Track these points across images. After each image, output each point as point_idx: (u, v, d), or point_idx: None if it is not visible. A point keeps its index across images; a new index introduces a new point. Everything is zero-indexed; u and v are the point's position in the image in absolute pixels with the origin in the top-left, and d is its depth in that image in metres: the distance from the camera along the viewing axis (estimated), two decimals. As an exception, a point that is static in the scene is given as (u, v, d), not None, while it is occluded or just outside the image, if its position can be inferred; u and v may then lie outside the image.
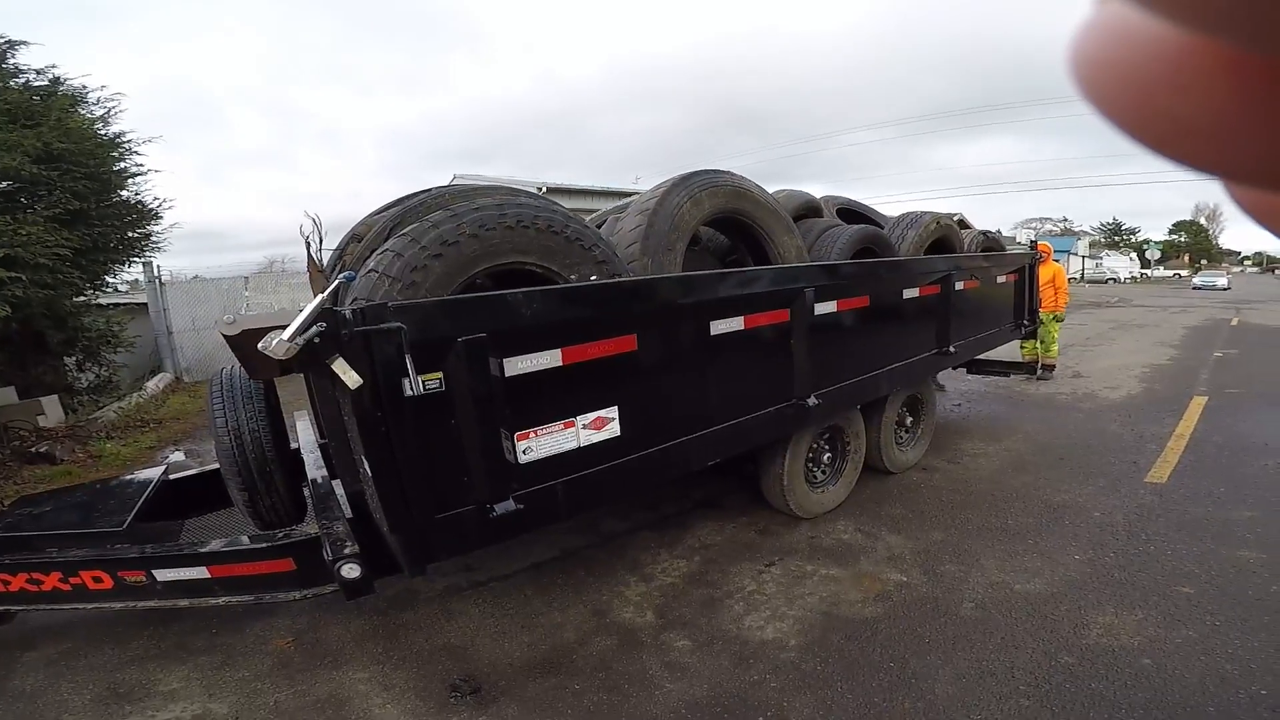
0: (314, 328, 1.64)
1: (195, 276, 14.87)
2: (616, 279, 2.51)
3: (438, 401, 1.97)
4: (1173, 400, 6.75)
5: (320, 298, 1.70)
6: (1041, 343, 7.78)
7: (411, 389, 1.80)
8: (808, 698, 2.49)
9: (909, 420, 5.00)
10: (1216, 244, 75.04)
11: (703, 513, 4.30)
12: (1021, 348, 7.85)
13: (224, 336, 1.66)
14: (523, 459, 2.19)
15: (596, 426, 2.37)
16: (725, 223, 3.45)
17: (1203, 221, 72.91)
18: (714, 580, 3.43)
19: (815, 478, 4.16)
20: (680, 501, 4.49)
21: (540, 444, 2.22)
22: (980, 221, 7.38)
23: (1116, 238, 65.24)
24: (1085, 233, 61.32)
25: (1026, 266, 5.99)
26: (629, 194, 14.60)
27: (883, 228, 4.84)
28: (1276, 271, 62.71)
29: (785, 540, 3.83)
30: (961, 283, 4.78)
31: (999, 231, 7.45)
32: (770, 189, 4.18)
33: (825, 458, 4.22)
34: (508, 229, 2.21)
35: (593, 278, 2.41)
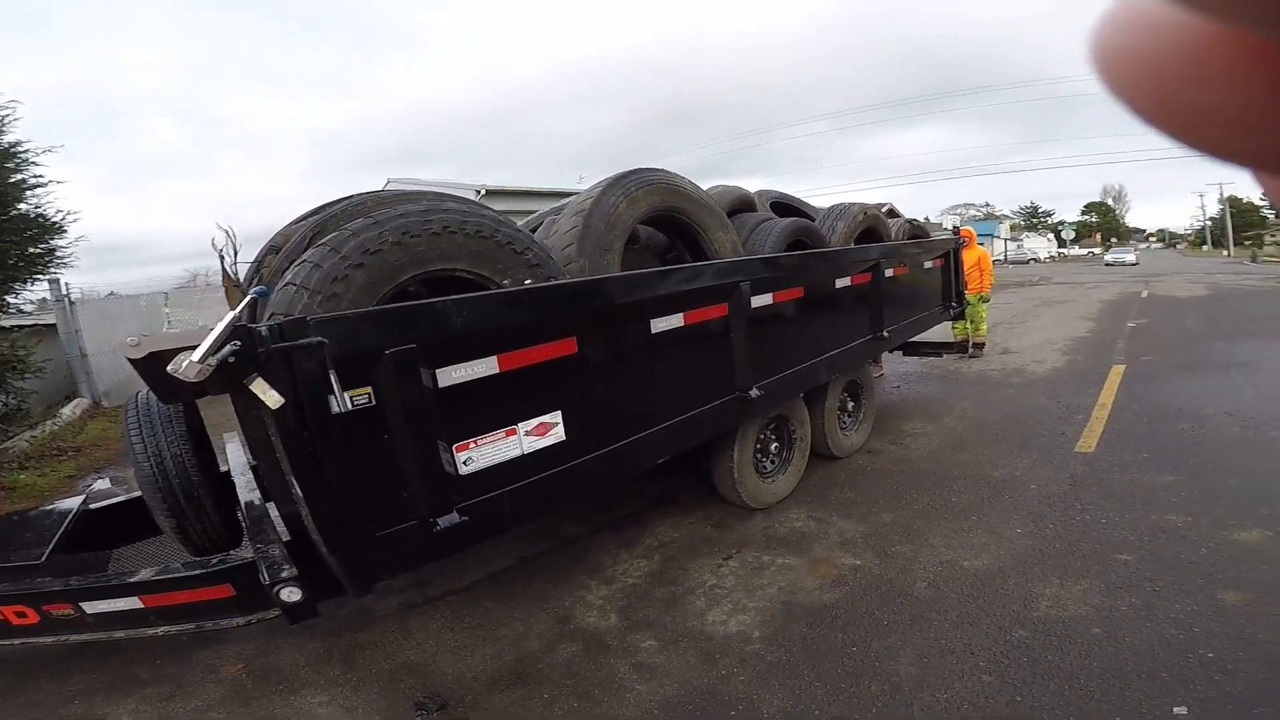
0: (227, 347, 1.55)
1: (110, 293, 13.96)
2: (552, 282, 2.48)
3: (368, 417, 1.90)
4: (1094, 371, 7.18)
5: (232, 314, 1.61)
6: (971, 322, 8.17)
7: (338, 406, 1.72)
8: (777, 688, 2.53)
9: (850, 405, 5.14)
10: (1124, 222, 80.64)
11: (660, 510, 4.32)
12: (953, 328, 8.21)
13: (129, 360, 1.55)
14: (464, 470, 2.14)
15: (540, 433, 2.33)
16: (662, 220, 3.46)
17: (1110, 202, 78.24)
18: (675, 578, 3.44)
19: (765, 468, 4.23)
20: (636, 500, 4.49)
21: (481, 454, 2.17)
22: (910, 209, 7.70)
23: (1035, 220, 69.22)
24: (1006, 216, 64.79)
25: (951, 251, 6.26)
26: (572, 194, 14.47)
27: (814, 220, 4.97)
28: (1178, 246, 67.78)
29: (741, 532, 3.88)
30: (891, 270, 4.95)
31: (927, 219, 7.80)
32: (708, 185, 4.23)
33: (773, 448, 4.30)
34: (434, 235, 2.14)
35: (527, 282, 2.37)
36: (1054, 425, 5.36)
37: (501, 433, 2.22)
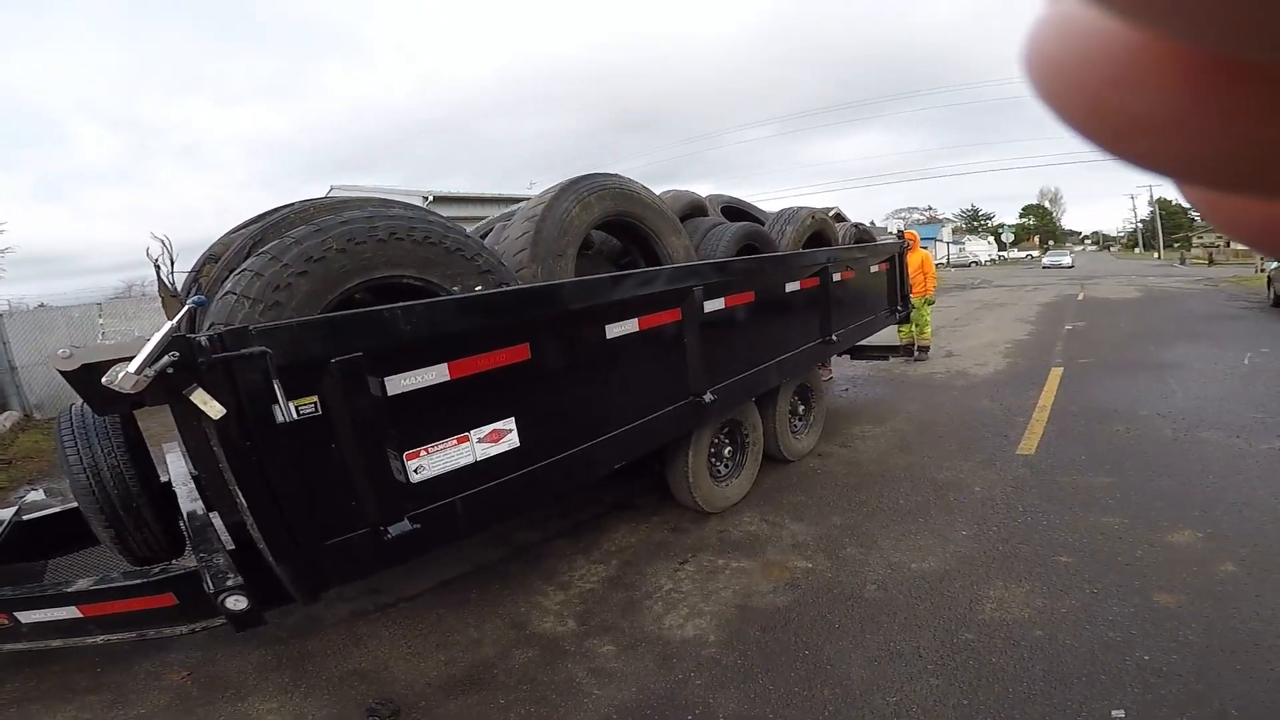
0: (165, 357, 1.51)
1: (40, 304, 13.28)
2: (503, 288, 2.49)
3: (314, 426, 1.87)
4: (1033, 373, 7.46)
5: (169, 325, 1.57)
6: (916, 326, 8.40)
7: (283, 415, 1.70)
8: (732, 692, 2.56)
9: (801, 409, 5.25)
10: (1060, 225, 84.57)
11: (617, 515, 4.33)
12: (899, 332, 8.44)
13: (61, 373, 1.49)
14: (415, 478, 2.12)
15: (493, 439, 2.34)
16: (616, 226, 3.49)
17: (1047, 204, 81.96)
18: (632, 582, 3.46)
19: (719, 472, 4.29)
20: (594, 506, 4.50)
21: (433, 461, 2.16)
22: (856, 213, 7.92)
23: (975, 223, 71.92)
24: (948, 219, 67.01)
25: (896, 255, 6.48)
26: (523, 199, 14.38)
27: (764, 224, 5.08)
28: (1111, 249, 71.44)
29: (696, 536, 3.92)
30: (838, 274, 5.09)
31: (873, 222, 8.05)
32: (660, 189, 4.28)
33: (726, 451, 4.36)
34: (380, 242, 2.13)
35: (477, 288, 2.37)
36: (996, 427, 5.54)
37: (453, 440, 2.21)
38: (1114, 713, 2.24)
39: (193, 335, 1.65)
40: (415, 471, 2.11)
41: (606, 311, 2.86)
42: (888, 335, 7.56)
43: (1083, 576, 3.12)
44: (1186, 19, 0.14)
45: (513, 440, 2.41)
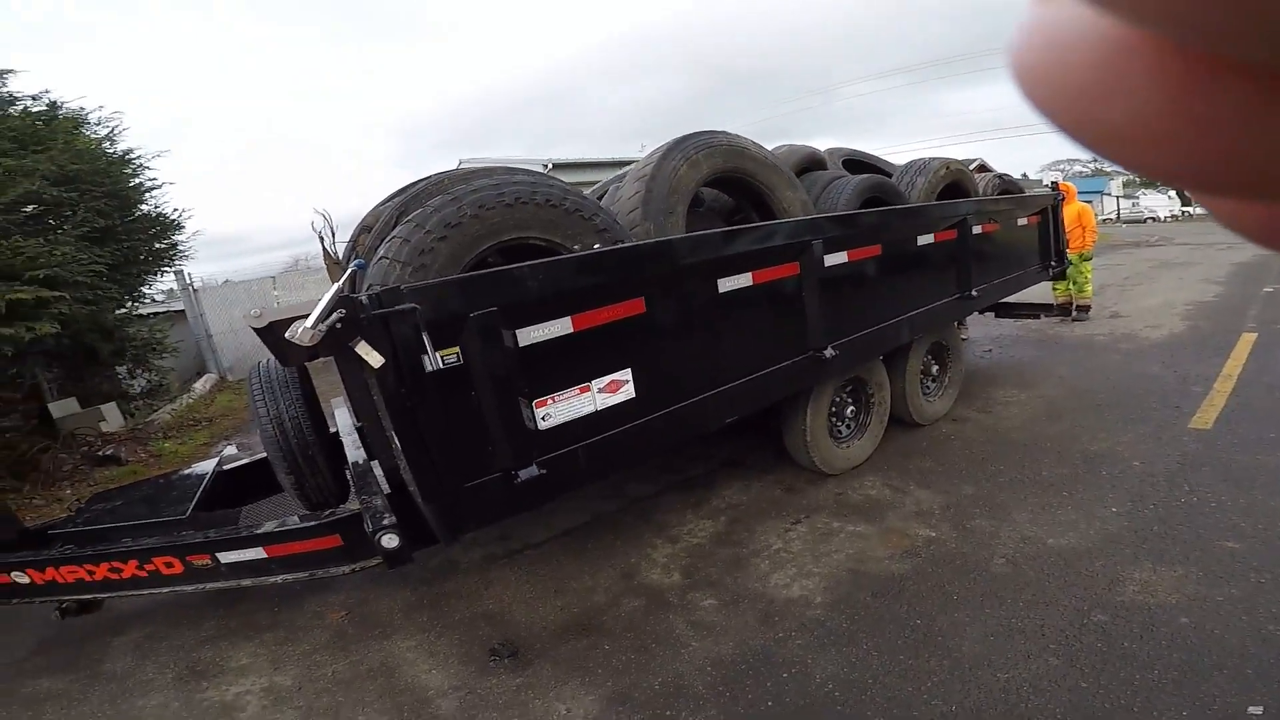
0: (334, 314, 1.75)
1: (225, 281, 15.42)
2: (618, 245, 2.57)
3: (457, 375, 2.07)
4: (1219, 338, 6.39)
5: (335, 286, 1.81)
6: (1074, 283, 7.61)
7: (431, 365, 1.90)
8: (833, 655, 2.53)
9: (935, 369, 4.97)
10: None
11: (728, 472, 4.35)
12: (1054, 290, 7.69)
13: (253, 330, 1.77)
14: (542, 425, 2.29)
15: (612, 390, 2.45)
16: (727, 182, 3.45)
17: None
18: (740, 539, 3.48)
19: (839, 432, 4.18)
20: (706, 462, 4.56)
21: (558, 410, 2.31)
22: (1004, 165, 7.16)
23: (1152, 176, 62.14)
24: (1118, 172, 58.38)
25: (1049, 208, 5.83)
26: (634, 162, 14.51)
27: (890, 176, 4.77)
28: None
29: (811, 497, 3.85)
30: (979, 226, 4.69)
31: (1025, 175, 7.25)
32: (773, 146, 4.15)
33: (849, 411, 4.24)
34: (507, 207, 2.28)
35: (595, 246, 2.47)
36: (1167, 397, 4.87)
37: (576, 390, 2.35)
38: (1251, 709, 2.01)
39: (354, 295, 1.88)
40: (543, 419, 2.27)
41: (719, 266, 2.85)
42: (1041, 293, 6.83)
43: (1250, 565, 2.74)
44: (1179, 18, 0.14)
45: (629, 391, 2.51)
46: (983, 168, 6.20)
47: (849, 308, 3.60)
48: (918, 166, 4.86)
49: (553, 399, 2.29)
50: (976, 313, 6.55)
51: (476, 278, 2.16)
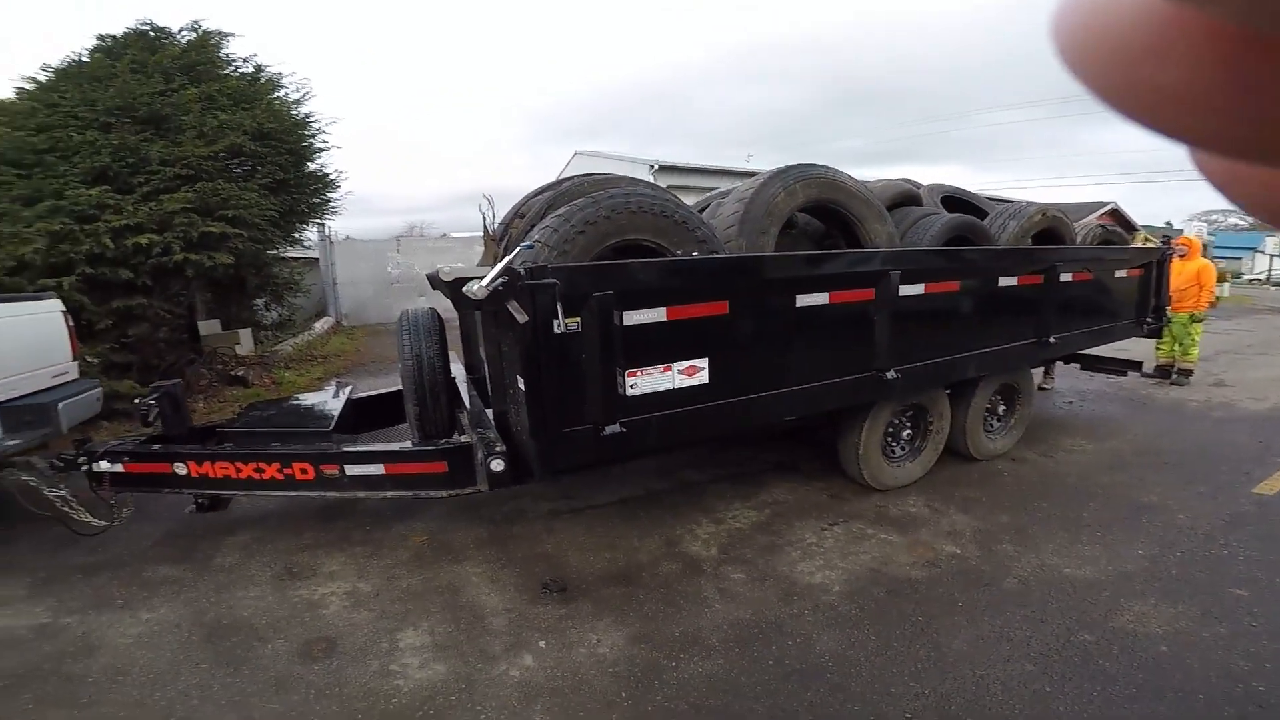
0: (500, 280, 2.36)
1: (347, 237, 16.62)
2: (712, 255, 3.06)
3: (575, 339, 2.62)
4: (1327, 417, 6.09)
5: (505, 261, 2.42)
6: (1180, 345, 7.31)
7: (559, 328, 2.47)
8: (835, 633, 2.84)
9: (1001, 409, 5.07)
10: None
11: (781, 474, 4.69)
12: (1157, 349, 7.43)
13: (443, 281, 2.42)
14: (629, 392, 2.81)
15: (689, 373, 2.94)
16: (821, 210, 3.85)
17: None
18: (778, 530, 3.81)
19: (893, 452, 4.42)
20: (761, 462, 4.92)
21: (643, 381, 2.83)
22: (1147, 212, 6.95)
23: (1323, 235, 54.69)
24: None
25: (1154, 262, 5.74)
26: (739, 172, 14.75)
27: (985, 217, 4.95)
28: None
29: (854, 506, 4.13)
30: (1068, 274, 4.78)
31: (1169, 223, 6.98)
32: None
33: (905, 434, 4.47)
34: (631, 213, 2.84)
35: (694, 253, 2.98)
36: (1240, 463, 4.82)
37: (660, 367, 2.86)
38: None
39: (514, 267, 2.48)
40: (631, 386, 2.80)
41: (797, 283, 3.26)
42: (1145, 351, 6.73)
43: (1249, 609, 2.91)
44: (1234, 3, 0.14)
45: (703, 377, 2.98)
46: (1116, 212, 6.16)
47: (918, 337, 3.85)
48: (1012, 210, 5.01)
49: (641, 372, 2.81)
50: (1060, 362, 6.54)
51: (602, 266, 2.73)
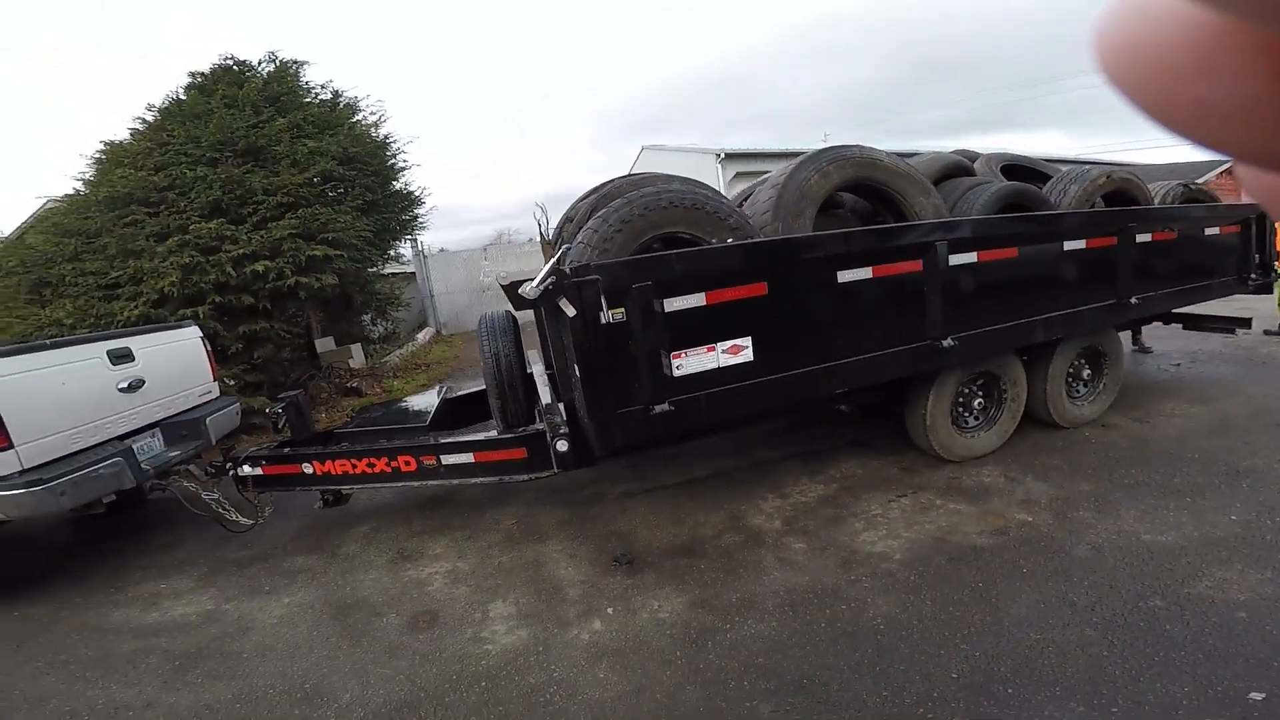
0: (549, 280, 2.70)
1: (441, 249, 17.82)
2: (743, 241, 3.25)
3: (621, 329, 2.90)
4: None
5: (551, 262, 2.76)
6: (1297, 300, 6.65)
7: (605, 319, 2.77)
8: (890, 599, 2.89)
9: (1087, 374, 4.89)
10: None
11: (852, 450, 4.75)
12: (1279, 307, 6.85)
13: (501, 285, 2.79)
14: (676, 373, 3.04)
15: (733, 352, 3.14)
16: (862, 188, 3.91)
17: None
18: (844, 503, 3.90)
19: (965, 422, 4.38)
20: (832, 439, 5.01)
21: (689, 362, 3.06)
22: None
23: None
24: None
25: (1253, 218, 5.31)
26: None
27: (1044, 182, 4.80)
28: None
29: (925, 478, 4.13)
30: (1148, 234, 4.55)
31: None
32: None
33: (976, 403, 4.42)
34: (664, 209, 3.10)
35: (728, 240, 3.18)
36: (1366, 426, 4.36)
37: (704, 348, 3.08)
38: (1252, 695, 2.12)
39: (561, 268, 2.81)
40: (677, 367, 3.04)
41: (831, 261, 3.36)
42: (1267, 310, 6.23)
43: None
44: (1267, 7, 0.15)
45: (748, 355, 3.17)
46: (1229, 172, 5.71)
47: (974, 303, 3.82)
48: (1073, 175, 4.81)
49: (685, 353, 3.05)
50: (1159, 323, 6.13)
51: (640, 259, 2.99)
